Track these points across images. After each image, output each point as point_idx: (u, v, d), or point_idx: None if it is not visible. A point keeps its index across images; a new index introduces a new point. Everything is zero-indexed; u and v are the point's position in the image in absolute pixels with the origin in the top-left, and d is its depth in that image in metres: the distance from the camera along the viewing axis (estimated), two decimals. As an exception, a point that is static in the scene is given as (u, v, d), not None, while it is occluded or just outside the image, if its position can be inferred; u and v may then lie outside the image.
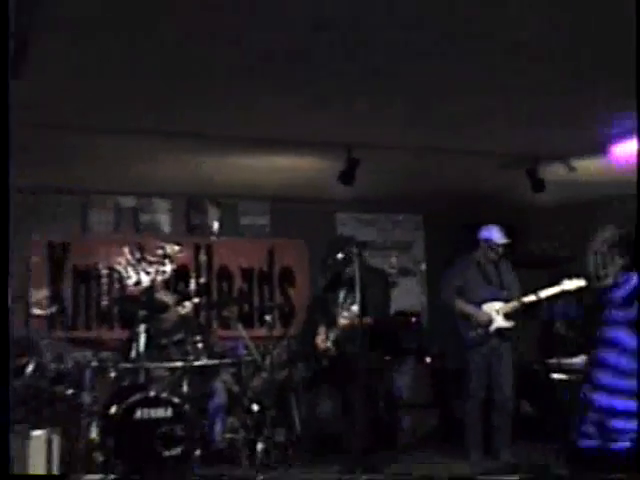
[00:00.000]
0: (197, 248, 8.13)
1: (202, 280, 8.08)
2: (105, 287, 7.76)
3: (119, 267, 7.78)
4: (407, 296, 8.54)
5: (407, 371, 7.33)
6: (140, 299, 6.88)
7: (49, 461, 5.43)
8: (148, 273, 7.78)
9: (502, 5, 3.40)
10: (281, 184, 7.45)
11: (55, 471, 5.45)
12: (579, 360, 6.44)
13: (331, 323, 6.23)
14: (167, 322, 6.42)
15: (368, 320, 5.70)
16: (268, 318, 6.77)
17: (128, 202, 7.97)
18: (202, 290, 7.92)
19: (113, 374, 5.87)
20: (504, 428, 6.33)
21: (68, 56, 4.01)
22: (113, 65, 4.19)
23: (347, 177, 6.00)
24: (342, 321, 5.97)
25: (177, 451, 5.57)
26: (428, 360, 7.47)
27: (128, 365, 5.98)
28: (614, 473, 2.56)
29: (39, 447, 5.41)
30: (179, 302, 6.65)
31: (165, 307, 6.48)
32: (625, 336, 2.73)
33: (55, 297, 7.52)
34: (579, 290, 6.16)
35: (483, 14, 3.49)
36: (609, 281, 3.16)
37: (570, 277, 6.18)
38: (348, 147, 5.82)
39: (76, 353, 6.23)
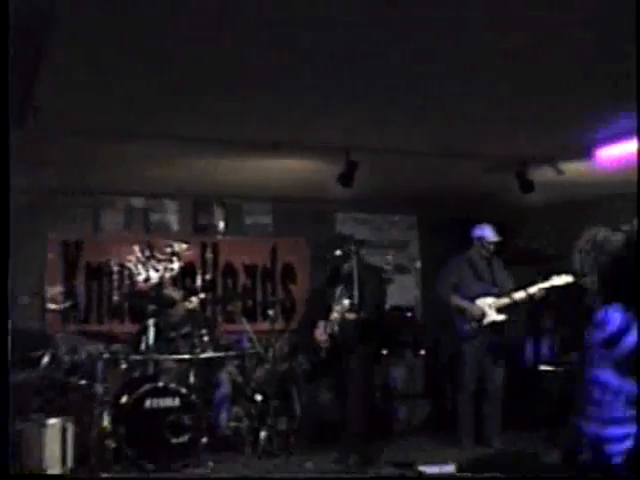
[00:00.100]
0: (204, 246, 8.14)
1: (208, 276, 8.09)
2: (116, 283, 7.78)
3: (130, 264, 7.79)
4: (403, 292, 8.55)
5: (402, 363, 7.34)
6: (149, 294, 6.90)
7: (63, 448, 5.46)
8: (157, 270, 7.79)
9: (491, 12, 3.40)
10: (283, 186, 7.46)
11: (69, 457, 5.49)
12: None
13: (328, 317, 6.25)
14: (175, 316, 6.44)
15: (360, 314, 5.71)
16: (270, 312, 6.78)
17: (138, 203, 7.98)
18: (208, 286, 7.92)
19: (124, 366, 5.89)
20: (495, 417, 6.36)
21: (83, 65, 4.02)
22: (126, 74, 4.20)
23: (346, 179, 6.01)
24: (334, 315, 5.98)
25: (185, 438, 5.60)
26: (422, 352, 7.48)
27: (138, 357, 6.01)
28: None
29: (54, 435, 5.43)
30: (186, 297, 6.66)
31: (173, 302, 6.50)
32: (612, 377, 2.59)
33: (69, 293, 7.53)
34: (567, 285, 6.20)
35: (474, 22, 3.50)
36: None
37: (559, 274, 6.23)
38: (347, 150, 5.83)
39: (89, 346, 6.23)
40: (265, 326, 7.04)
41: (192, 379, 5.90)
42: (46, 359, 5.94)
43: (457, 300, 6.39)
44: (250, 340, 6.69)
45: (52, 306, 7.01)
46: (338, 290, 6.04)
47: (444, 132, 5.61)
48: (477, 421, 6.36)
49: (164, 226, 8.09)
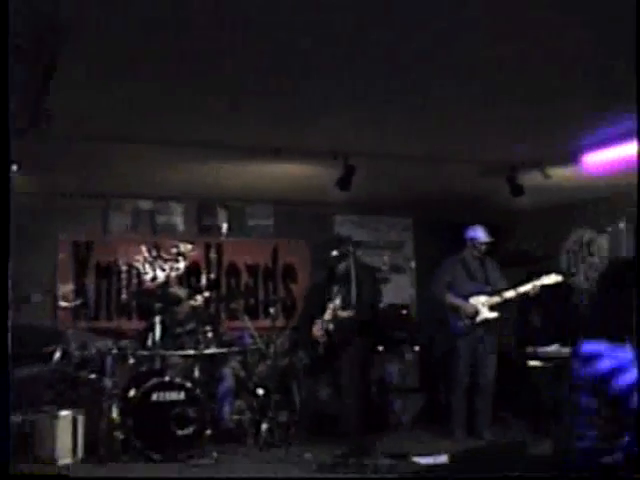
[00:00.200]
0: (208, 247, 8.14)
1: (212, 276, 8.09)
2: (124, 282, 7.78)
3: (137, 264, 7.80)
4: (398, 291, 8.56)
5: (397, 359, 7.35)
6: (156, 293, 6.90)
7: (74, 438, 5.47)
8: (163, 269, 7.79)
9: (484, 22, 3.41)
10: (284, 189, 7.47)
11: (80, 447, 5.50)
12: (553, 348, 6.50)
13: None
14: (180, 314, 6.45)
15: (353, 312, 5.72)
16: (272, 310, 6.79)
17: (145, 205, 7.99)
18: (212, 285, 7.92)
19: (132, 361, 5.90)
20: (486, 410, 6.37)
21: (92, 71, 4.03)
22: (135, 83, 4.22)
23: (344, 183, 6.01)
24: (328, 312, 6.00)
25: (190, 430, 5.61)
26: (416, 349, 7.49)
27: (145, 352, 6.01)
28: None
29: (65, 426, 5.46)
30: (191, 296, 6.67)
31: (179, 300, 6.50)
32: (587, 398, 2.54)
33: (80, 291, 7.54)
34: (557, 285, 6.24)
35: (467, 30, 3.51)
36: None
37: (548, 273, 6.27)
38: (345, 155, 5.83)
39: (98, 342, 6.24)
40: (267, 323, 7.06)
41: (197, 374, 5.91)
42: (58, 354, 5.95)
43: (451, 298, 6.41)
44: (252, 336, 6.69)
45: (63, 304, 7.01)
46: (334, 289, 6.06)
47: (438, 138, 5.63)
48: (469, 414, 6.37)
49: (170, 227, 8.09)
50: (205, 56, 3.80)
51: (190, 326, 6.28)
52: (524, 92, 4.43)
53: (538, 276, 6.26)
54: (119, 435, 5.48)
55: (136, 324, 7.32)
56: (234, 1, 3.18)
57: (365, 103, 4.66)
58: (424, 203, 8.03)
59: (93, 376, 5.81)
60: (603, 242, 7.49)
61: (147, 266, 7.79)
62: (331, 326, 5.94)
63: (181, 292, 6.73)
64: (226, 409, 6.20)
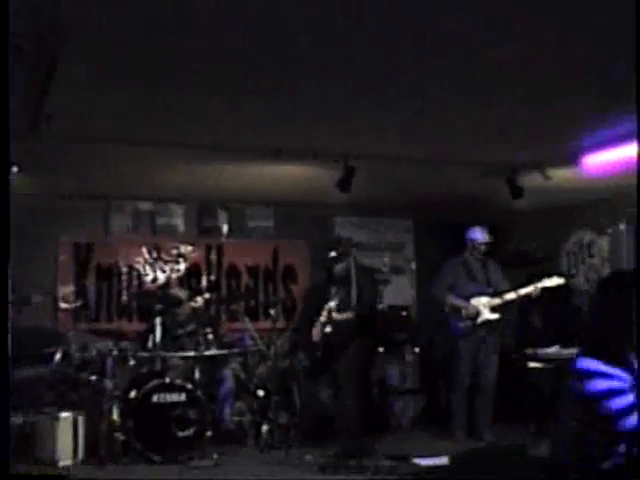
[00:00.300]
0: (208, 248, 8.13)
1: (212, 277, 8.08)
2: (125, 283, 7.77)
3: (138, 265, 7.79)
4: (398, 292, 8.55)
5: (398, 360, 7.34)
6: (157, 294, 6.91)
7: (75, 440, 5.47)
8: (164, 271, 7.79)
9: (483, 23, 3.40)
10: (284, 191, 7.46)
11: (80, 448, 5.49)
12: (553, 350, 6.49)
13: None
14: (181, 315, 6.44)
15: (351, 313, 5.71)
16: (272, 312, 6.78)
17: (146, 207, 7.98)
18: (212, 286, 7.91)
19: (132, 362, 5.90)
20: (486, 411, 6.36)
21: (93, 73, 4.02)
22: (135, 84, 4.21)
23: (344, 184, 6.01)
24: (324, 314, 5.99)
25: (190, 432, 5.61)
26: (417, 350, 7.48)
27: (146, 354, 6.01)
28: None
29: (66, 427, 5.45)
30: (192, 297, 6.67)
31: (179, 302, 6.50)
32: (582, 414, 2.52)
33: (80, 292, 7.52)
34: (558, 287, 6.24)
35: (468, 31, 3.50)
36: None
37: (549, 275, 6.27)
38: (345, 157, 5.83)
39: (99, 343, 6.24)
40: (267, 325, 7.05)
41: (197, 375, 5.90)
42: (58, 356, 5.95)
43: (453, 299, 6.40)
44: (252, 338, 6.69)
45: (64, 305, 7.00)
46: (332, 290, 6.05)
47: (438, 139, 5.62)
48: (469, 415, 6.36)
49: (171, 229, 8.08)
50: (205, 56, 3.79)
51: (190, 327, 6.28)
52: (524, 93, 4.43)
53: (539, 278, 6.26)
54: (119, 436, 5.47)
55: (137, 325, 7.31)
56: (234, 1, 3.18)
57: (365, 104, 4.66)
58: (424, 204, 8.02)
59: (93, 377, 5.81)
60: (603, 243, 7.49)
61: (147, 267, 7.79)
62: (328, 328, 5.93)
63: (181, 293, 6.73)
64: (226, 411, 6.20)
